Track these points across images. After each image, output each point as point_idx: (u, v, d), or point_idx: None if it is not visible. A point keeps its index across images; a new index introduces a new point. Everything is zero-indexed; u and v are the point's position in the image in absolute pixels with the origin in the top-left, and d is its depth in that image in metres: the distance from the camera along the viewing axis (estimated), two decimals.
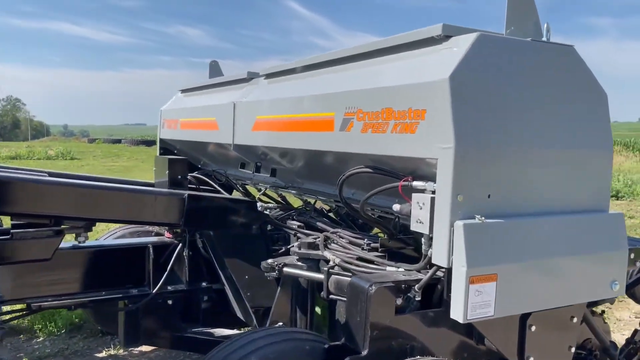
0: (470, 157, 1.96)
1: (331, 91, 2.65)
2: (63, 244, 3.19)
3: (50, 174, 3.21)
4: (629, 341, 2.75)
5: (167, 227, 3.55)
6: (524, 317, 2.20)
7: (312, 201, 4.18)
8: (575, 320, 2.33)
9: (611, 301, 2.68)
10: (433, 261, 2.04)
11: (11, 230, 2.82)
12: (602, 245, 2.24)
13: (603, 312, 2.94)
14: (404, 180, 2.22)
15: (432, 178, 2.13)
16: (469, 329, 2.39)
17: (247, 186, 5.01)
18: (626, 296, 3.29)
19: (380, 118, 2.28)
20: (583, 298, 2.26)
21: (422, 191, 2.12)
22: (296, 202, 4.22)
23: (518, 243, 2.02)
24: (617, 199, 13.97)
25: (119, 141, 46.41)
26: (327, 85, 2.77)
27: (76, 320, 4.77)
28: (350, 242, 2.99)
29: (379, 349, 2.19)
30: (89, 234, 3.15)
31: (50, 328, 4.64)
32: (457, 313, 1.94)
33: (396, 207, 2.29)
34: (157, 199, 3.09)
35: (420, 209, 2.09)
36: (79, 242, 3.11)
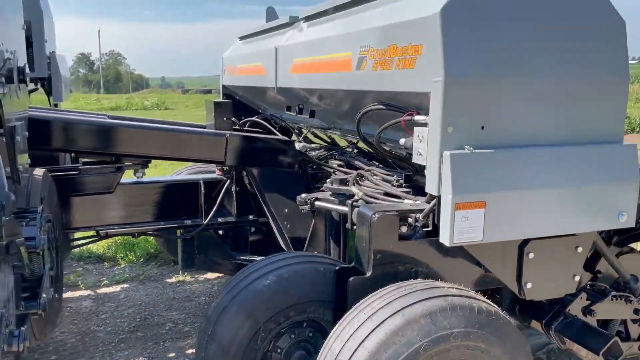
0: (461, 90, 2.02)
1: (349, 31, 2.75)
2: (126, 180, 3.63)
3: (110, 117, 3.61)
4: None
5: (216, 166, 3.88)
6: (523, 245, 2.28)
7: (355, 141, 4.33)
8: (580, 250, 2.36)
9: None
10: (426, 190, 2.16)
11: (79, 167, 3.27)
12: (609, 176, 2.23)
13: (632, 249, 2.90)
14: (407, 115, 2.31)
15: None
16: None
17: (302, 129, 5.23)
18: None
19: (387, 55, 2.37)
20: (586, 228, 2.27)
21: (424, 125, 2.21)
22: (344, 144, 4.38)
23: (510, 172, 2.08)
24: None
25: (209, 91, 48.37)
26: (347, 26, 2.87)
27: (152, 250, 5.36)
28: (383, 179, 3.14)
29: (383, 271, 2.37)
30: (146, 171, 3.55)
31: (130, 257, 5.25)
32: (444, 237, 2.07)
33: (402, 141, 2.40)
34: (202, 139, 3.41)
35: (420, 141, 2.20)
36: (137, 178, 3.51)
